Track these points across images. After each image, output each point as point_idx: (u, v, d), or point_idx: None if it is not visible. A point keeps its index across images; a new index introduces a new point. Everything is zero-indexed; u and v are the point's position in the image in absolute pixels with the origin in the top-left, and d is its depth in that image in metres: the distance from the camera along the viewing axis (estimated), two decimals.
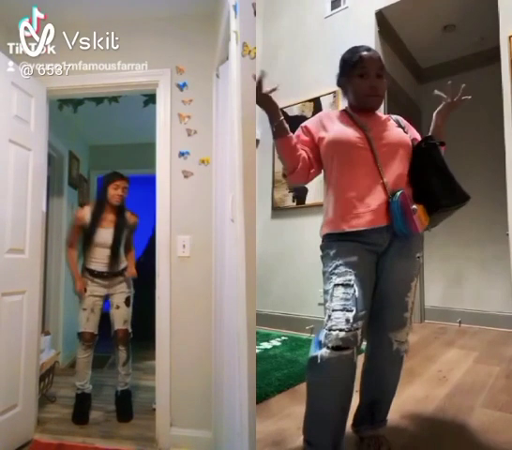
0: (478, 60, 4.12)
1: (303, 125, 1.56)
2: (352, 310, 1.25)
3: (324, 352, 1.23)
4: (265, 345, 3.17)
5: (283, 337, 3.43)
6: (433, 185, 1.39)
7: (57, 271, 3.39)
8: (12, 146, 2.06)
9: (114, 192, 2.50)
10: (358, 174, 1.38)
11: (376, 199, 1.35)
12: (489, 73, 3.40)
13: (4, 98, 2.01)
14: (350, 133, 1.42)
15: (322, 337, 1.27)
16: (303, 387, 2.21)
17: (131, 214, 2.61)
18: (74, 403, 2.44)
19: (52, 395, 2.63)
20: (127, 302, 2.54)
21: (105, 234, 2.50)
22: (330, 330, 1.25)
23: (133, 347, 2.62)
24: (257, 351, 2.95)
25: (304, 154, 1.47)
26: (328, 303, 1.31)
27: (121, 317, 2.51)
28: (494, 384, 2.29)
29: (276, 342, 3.27)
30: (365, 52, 1.47)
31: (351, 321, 1.23)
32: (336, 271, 1.33)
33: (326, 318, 1.30)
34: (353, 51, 1.50)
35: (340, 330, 1.23)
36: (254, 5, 1.44)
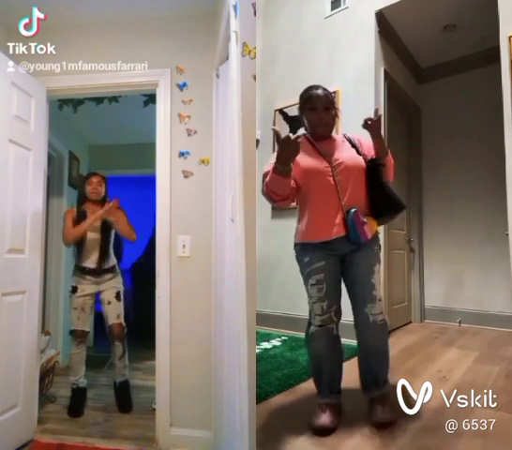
0: (478, 60, 4.11)
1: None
2: (324, 301, 1.77)
3: (313, 328, 1.81)
4: (265, 345, 3.16)
5: (283, 337, 3.42)
6: (376, 198, 1.80)
7: (57, 271, 3.39)
8: (12, 146, 2.06)
9: (89, 188, 2.65)
10: (324, 197, 1.76)
11: (336, 216, 1.75)
12: (489, 73, 3.40)
13: (4, 98, 2.01)
14: (317, 164, 1.77)
15: (311, 320, 1.84)
16: (303, 387, 2.23)
17: (107, 203, 2.61)
18: (70, 397, 2.51)
19: (52, 395, 2.63)
20: (117, 297, 2.62)
21: (94, 230, 2.59)
22: (314, 315, 1.80)
23: (133, 347, 2.67)
24: (257, 351, 2.94)
25: (292, 183, 1.72)
26: (309, 298, 1.83)
27: (114, 311, 2.59)
28: (494, 384, 2.29)
29: (276, 342, 3.27)
30: (314, 91, 1.81)
31: (325, 308, 1.78)
32: (309, 274, 1.80)
33: (310, 307, 1.83)
34: (307, 90, 1.84)
35: (320, 315, 1.78)
36: (254, 5, 1.44)
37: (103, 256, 2.61)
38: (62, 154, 3.53)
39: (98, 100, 2.71)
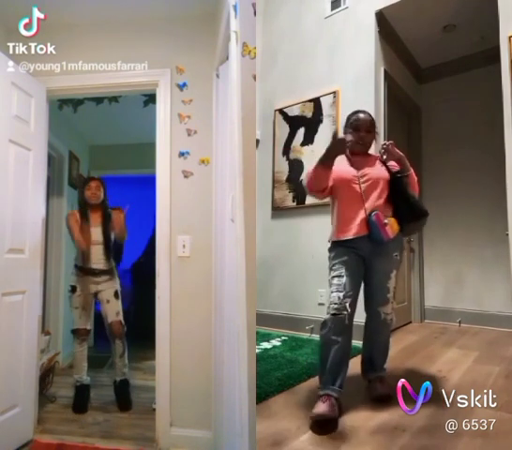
0: (478, 60, 4.11)
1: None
2: (342, 291, 1.93)
3: (327, 317, 1.92)
4: (265, 345, 3.16)
5: (283, 337, 3.42)
6: (400, 205, 2.04)
7: (57, 271, 3.39)
8: (12, 146, 2.06)
9: (88, 193, 2.69)
10: (350, 201, 2.01)
11: (359, 217, 1.99)
12: (489, 73, 3.40)
13: (4, 98, 2.01)
14: (346, 172, 2.04)
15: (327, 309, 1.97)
16: (303, 387, 2.23)
17: (114, 209, 2.74)
18: (74, 394, 2.55)
19: (52, 395, 2.63)
20: (116, 295, 2.69)
21: (96, 233, 2.66)
22: (330, 304, 1.94)
23: (133, 347, 2.70)
24: (257, 351, 2.94)
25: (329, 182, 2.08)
26: (330, 287, 1.99)
27: (113, 309, 2.65)
28: (494, 384, 2.29)
29: (276, 342, 3.26)
30: (361, 115, 2.11)
31: (341, 298, 1.92)
32: (333, 267, 2.02)
33: (329, 296, 1.97)
34: (354, 112, 2.14)
35: (335, 303, 1.92)
36: (254, 5, 1.44)
37: (106, 254, 2.67)
38: (62, 154, 3.53)
39: (98, 100, 2.71)
